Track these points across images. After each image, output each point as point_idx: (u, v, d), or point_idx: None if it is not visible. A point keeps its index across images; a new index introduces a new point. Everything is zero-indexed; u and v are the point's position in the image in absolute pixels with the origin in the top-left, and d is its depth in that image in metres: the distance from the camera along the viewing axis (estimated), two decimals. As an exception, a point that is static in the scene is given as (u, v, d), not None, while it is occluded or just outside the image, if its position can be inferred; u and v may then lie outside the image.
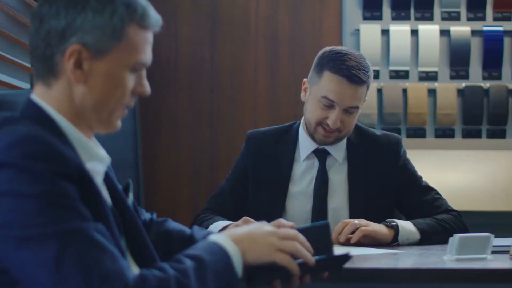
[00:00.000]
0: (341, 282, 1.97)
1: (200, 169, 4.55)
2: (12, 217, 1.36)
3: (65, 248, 1.34)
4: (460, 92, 4.35)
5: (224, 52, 4.57)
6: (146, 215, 1.96)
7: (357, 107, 2.62)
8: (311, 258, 1.60)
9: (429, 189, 2.75)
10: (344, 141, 2.73)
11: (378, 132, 2.80)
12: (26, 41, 2.94)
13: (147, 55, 1.58)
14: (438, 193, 2.75)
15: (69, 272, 1.33)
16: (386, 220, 2.52)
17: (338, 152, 2.72)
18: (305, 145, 2.73)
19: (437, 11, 4.37)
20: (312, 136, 2.68)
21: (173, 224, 1.97)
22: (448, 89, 4.33)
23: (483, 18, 4.36)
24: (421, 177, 2.77)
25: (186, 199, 4.54)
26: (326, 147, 2.71)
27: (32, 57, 1.57)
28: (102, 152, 1.61)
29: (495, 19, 4.36)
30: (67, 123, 1.54)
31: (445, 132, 4.36)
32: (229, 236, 1.57)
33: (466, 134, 4.36)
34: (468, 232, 2.50)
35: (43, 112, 1.53)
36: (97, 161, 1.58)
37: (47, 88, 1.55)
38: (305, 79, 2.73)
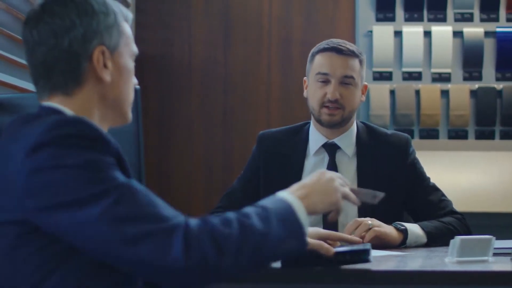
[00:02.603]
0: (344, 283, 1.98)
1: (214, 170, 4.56)
2: (62, 187, 1.43)
3: (119, 199, 1.43)
4: (473, 93, 4.33)
5: (237, 54, 4.58)
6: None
7: (352, 77, 2.70)
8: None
9: (435, 190, 2.76)
10: (354, 136, 2.77)
11: (388, 131, 2.84)
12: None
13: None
14: (444, 195, 2.76)
15: (126, 219, 1.42)
16: (396, 223, 2.52)
17: (348, 146, 2.75)
18: (315, 139, 2.77)
19: (450, 12, 4.37)
20: (319, 121, 2.72)
21: None
22: (461, 90, 4.32)
23: (496, 19, 4.35)
24: (429, 178, 2.78)
25: (200, 199, 4.55)
26: (336, 141, 2.74)
27: (46, 73, 1.60)
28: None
29: (508, 20, 4.35)
30: None
31: (458, 134, 4.35)
32: (288, 190, 1.68)
33: (479, 135, 4.34)
34: (472, 235, 2.49)
35: (63, 114, 1.58)
36: None
37: (67, 97, 1.60)
38: (304, 78, 2.83)
